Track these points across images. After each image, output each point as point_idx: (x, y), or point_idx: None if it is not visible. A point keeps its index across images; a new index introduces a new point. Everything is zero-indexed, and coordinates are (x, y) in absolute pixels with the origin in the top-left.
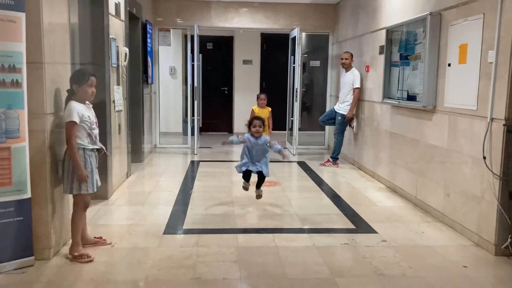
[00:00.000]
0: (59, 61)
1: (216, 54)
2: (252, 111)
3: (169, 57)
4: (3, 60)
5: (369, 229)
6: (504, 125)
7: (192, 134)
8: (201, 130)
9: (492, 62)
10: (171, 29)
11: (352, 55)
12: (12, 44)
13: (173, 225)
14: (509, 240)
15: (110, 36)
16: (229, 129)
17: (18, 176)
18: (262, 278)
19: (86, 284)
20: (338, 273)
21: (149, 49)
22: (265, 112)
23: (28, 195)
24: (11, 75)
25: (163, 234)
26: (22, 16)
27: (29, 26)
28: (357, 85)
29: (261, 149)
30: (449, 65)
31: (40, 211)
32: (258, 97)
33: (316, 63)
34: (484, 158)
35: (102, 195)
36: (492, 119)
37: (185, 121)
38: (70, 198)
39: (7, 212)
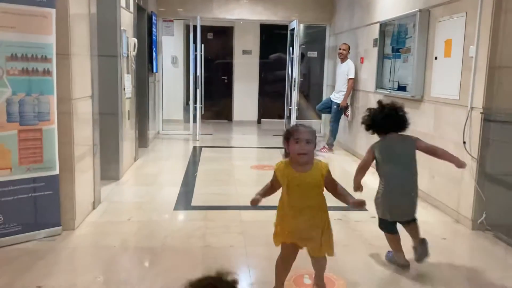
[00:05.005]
0: (82, 52)
1: (216, 44)
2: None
3: (170, 47)
4: (37, 51)
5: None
6: (481, 113)
7: (194, 121)
8: (201, 117)
9: (472, 56)
10: (174, 20)
11: (349, 47)
12: (44, 37)
13: (182, 202)
14: (484, 215)
15: (121, 28)
16: (229, 117)
17: (48, 155)
18: (265, 246)
19: (109, 250)
20: None
21: (154, 38)
22: (317, 178)
23: (56, 171)
24: (43, 65)
25: (174, 210)
26: (52, 11)
27: (58, 20)
28: (351, 75)
29: None
30: (435, 58)
31: (66, 187)
32: (291, 139)
33: (313, 54)
34: (464, 143)
35: (114, 176)
36: (471, 108)
37: (186, 109)
38: (90, 174)
39: (39, 186)
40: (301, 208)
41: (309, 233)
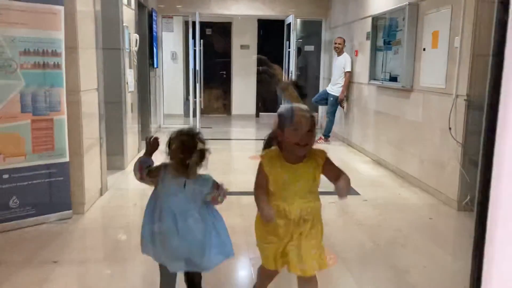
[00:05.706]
0: (88, 47)
1: (215, 39)
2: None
3: (170, 43)
4: (47, 46)
5: (353, 192)
6: (465, 100)
7: (194, 115)
8: (201, 112)
9: (457, 47)
10: (173, 16)
11: (344, 41)
12: (54, 32)
13: None
14: (468, 197)
15: (124, 24)
16: (228, 111)
17: (59, 143)
18: None
19: (116, 231)
20: (325, 224)
21: (154, 34)
22: (311, 170)
23: (66, 159)
24: (53, 59)
25: None
26: (61, 8)
27: (66, 17)
28: (348, 68)
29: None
30: (424, 49)
31: (75, 173)
32: (288, 125)
33: (310, 48)
34: (450, 129)
35: (119, 166)
36: (457, 96)
37: (186, 104)
38: (97, 163)
39: (51, 172)
40: (290, 209)
41: (295, 249)
